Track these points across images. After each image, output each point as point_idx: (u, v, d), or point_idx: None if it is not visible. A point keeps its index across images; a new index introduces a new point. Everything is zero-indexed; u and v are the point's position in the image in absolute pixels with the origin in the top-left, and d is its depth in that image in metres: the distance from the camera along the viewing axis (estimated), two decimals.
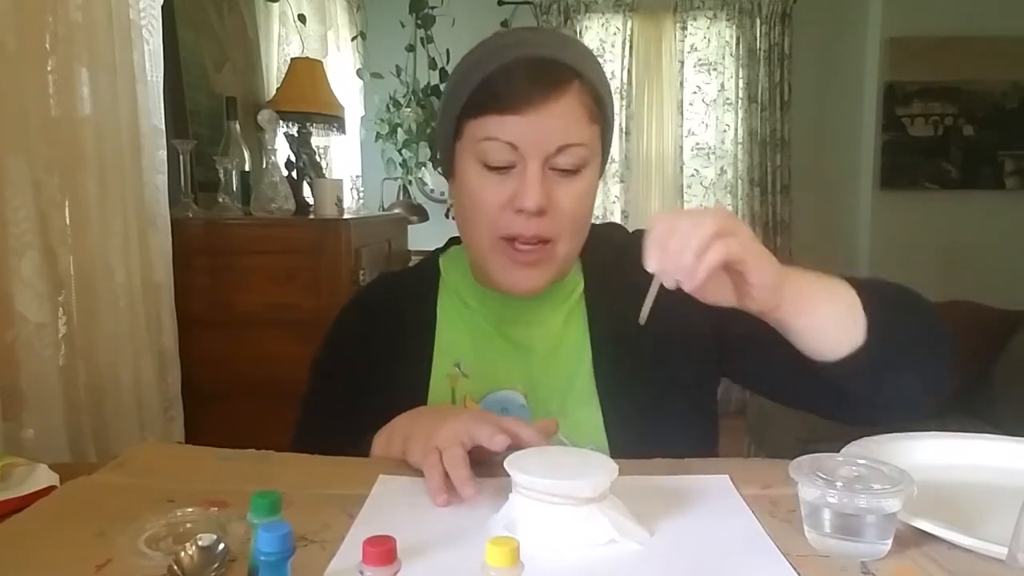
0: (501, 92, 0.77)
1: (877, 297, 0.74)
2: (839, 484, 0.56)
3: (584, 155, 0.80)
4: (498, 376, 0.88)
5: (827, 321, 0.73)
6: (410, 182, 3.74)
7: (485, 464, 0.69)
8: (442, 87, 3.66)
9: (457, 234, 0.93)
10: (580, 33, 3.99)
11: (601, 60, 3.95)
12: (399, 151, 3.64)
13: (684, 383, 0.89)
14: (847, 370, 0.73)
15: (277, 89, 2.47)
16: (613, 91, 4.50)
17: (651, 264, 0.65)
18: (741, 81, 3.97)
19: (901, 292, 0.80)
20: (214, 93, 2.17)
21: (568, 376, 0.88)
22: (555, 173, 0.79)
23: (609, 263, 0.90)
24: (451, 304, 0.93)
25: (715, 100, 4.04)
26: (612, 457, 0.69)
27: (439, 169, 3.73)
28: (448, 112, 0.85)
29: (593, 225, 0.90)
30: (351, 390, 0.90)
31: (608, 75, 4.55)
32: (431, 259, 0.99)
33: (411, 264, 1.07)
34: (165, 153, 1.60)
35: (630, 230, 0.98)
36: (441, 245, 1.01)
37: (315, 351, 0.98)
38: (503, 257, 0.82)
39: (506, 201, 0.79)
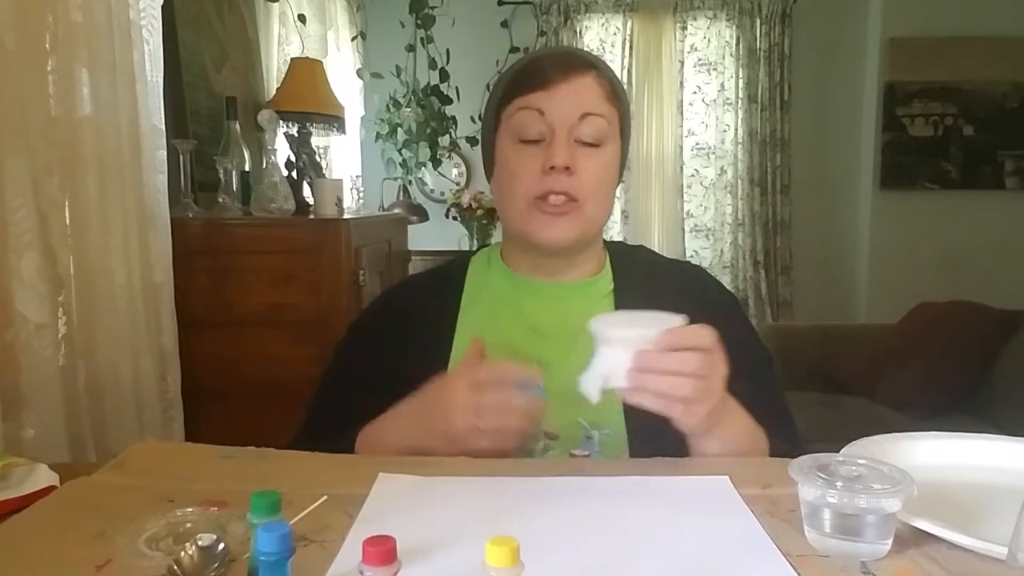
0: (530, 76, 0.91)
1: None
2: (839, 484, 0.56)
3: (604, 128, 0.90)
4: (515, 359, 0.91)
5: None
6: (410, 182, 3.74)
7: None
8: (442, 87, 3.68)
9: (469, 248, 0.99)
10: (580, 33, 4.00)
11: None
12: (399, 151, 3.64)
13: None
14: None
15: (277, 89, 2.47)
16: None
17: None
18: (741, 81, 3.98)
19: None
20: (214, 93, 2.17)
21: (587, 362, 0.90)
22: (579, 145, 0.89)
23: (638, 272, 0.99)
24: (479, 293, 0.98)
25: (715, 100, 4.04)
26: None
27: (439, 170, 3.76)
28: (490, 109, 0.97)
29: (623, 244, 1.03)
30: (368, 380, 0.93)
31: None
32: (460, 261, 1.05)
33: (410, 272, 1.11)
34: (165, 153, 1.60)
35: (632, 231, 1.08)
36: (443, 248, 1.04)
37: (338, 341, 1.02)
38: (537, 213, 0.90)
39: (539, 168, 0.89)
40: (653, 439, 0.82)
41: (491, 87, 0.99)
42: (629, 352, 0.70)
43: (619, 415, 0.86)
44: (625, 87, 3.97)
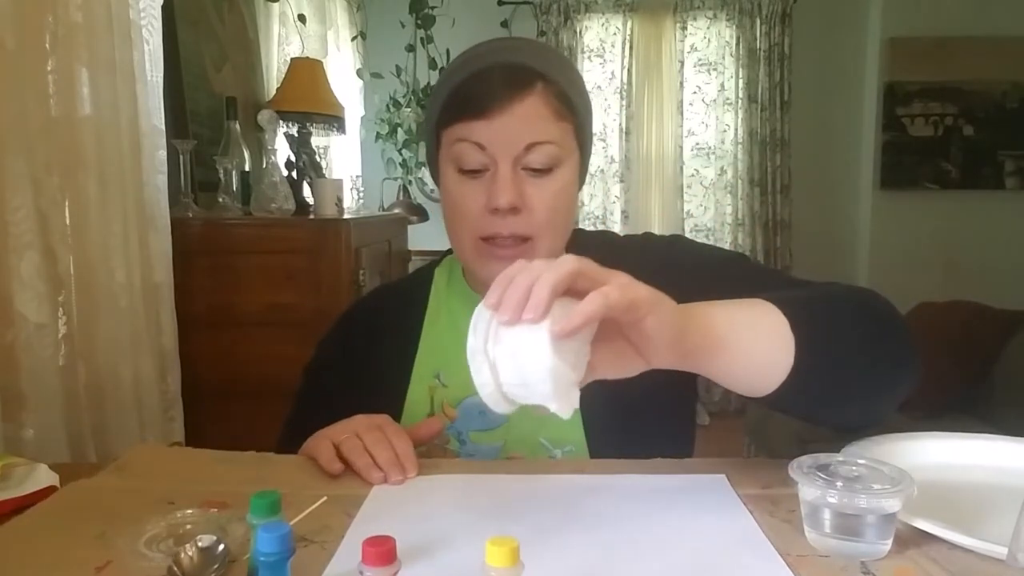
0: (468, 99, 0.81)
1: (811, 316, 0.66)
2: (839, 484, 0.56)
3: (555, 153, 0.81)
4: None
5: (745, 362, 0.64)
6: (410, 182, 3.74)
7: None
8: None
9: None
10: (580, 33, 4.00)
11: (601, 60, 4.01)
12: (399, 151, 3.64)
13: (663, 386, 0.83)
14: (781, 401, 0.66)
15: (277, 89, 2.47)
16: (613, 91, 4.40)
17: (490, 299, 0.56)
18: (741, 81, 3.98)
19: (843, 301, 0.72)
20: (214, 93, 2.17)
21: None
22: (528, 173, 0.81)
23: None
24: (439, 312, 0.95)
25: (715, 100, 4.04)
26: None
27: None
28: (429, 123, 0.89)
29: (584, 231, 0.93)
30: (334, 394, 0.92)
31: (608, 75, 4.47)
32: (428, 268, 1.00)
33: (410, 272, 1.08)
34: (165, 153, 1.60)
35: (631, 231, 1.01)
36: (443, 248, 1.01)
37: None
38: (486, 256, 0.83)
39: (483, 204, 0.81)
40: (616, 454, 0.79)
41: (430, 92, 0.90)
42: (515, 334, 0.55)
43: (579, 432, 0.84)
44: (623, 85, 4.00)
